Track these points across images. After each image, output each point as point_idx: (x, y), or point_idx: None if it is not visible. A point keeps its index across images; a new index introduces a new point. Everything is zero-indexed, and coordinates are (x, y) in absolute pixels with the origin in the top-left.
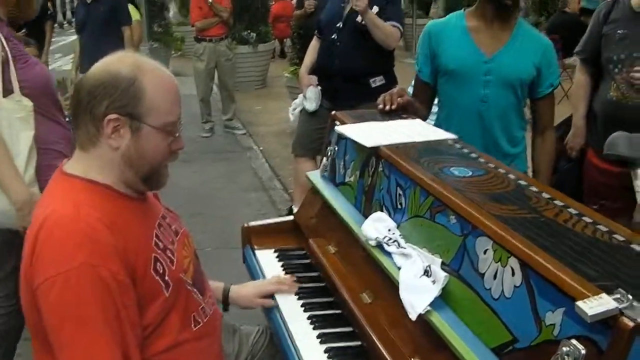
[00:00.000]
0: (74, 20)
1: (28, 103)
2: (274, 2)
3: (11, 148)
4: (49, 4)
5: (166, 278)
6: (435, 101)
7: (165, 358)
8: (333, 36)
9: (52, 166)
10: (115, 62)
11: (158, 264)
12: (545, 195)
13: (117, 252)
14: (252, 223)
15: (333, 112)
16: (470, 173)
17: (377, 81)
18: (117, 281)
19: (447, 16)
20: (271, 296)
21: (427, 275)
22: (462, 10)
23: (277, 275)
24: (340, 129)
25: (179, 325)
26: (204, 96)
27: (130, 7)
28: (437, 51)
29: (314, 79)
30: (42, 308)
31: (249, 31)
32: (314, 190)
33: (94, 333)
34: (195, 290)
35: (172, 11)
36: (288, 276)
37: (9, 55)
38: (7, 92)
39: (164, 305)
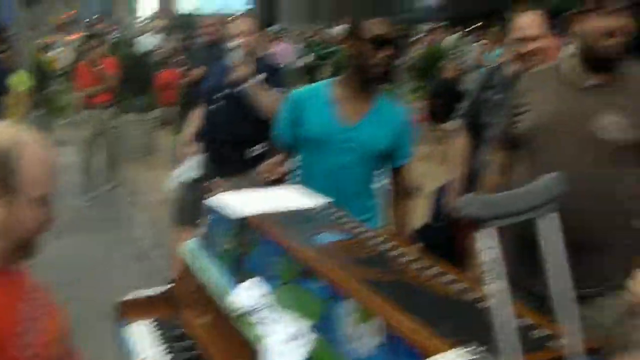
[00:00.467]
0: None
1: None
2: (161, 70)
3: None
4: None
5: (29, 352)
6: None
7: None
8: (217, 104)
9: None
10: None
11: (23, 337)
12: (407, 257)
13: None
14: (127, 297)
15: (207, 183)
16: (338, 238)
17: (260, 149)
18: None
19: (314, 84)
20: None
21: (296, 340)
22: (329, 79)
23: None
24: (214, 199)
25: None
26: (88, 164)
27: (21, 76)
28: (299, 118)
29: (197, 147)
30: None
31: (135, 99)
32: (190, 261)
33: None
34: None
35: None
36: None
37: None
38: None
39: None
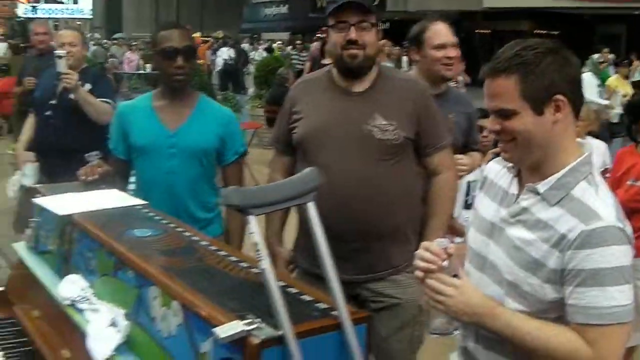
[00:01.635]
0: None
1: None
2: None
3: None
4: None
5: None
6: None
7: None
8: (48, 112)
9: None
10: None
11: None
12: (212, 247)
13: None
14: None
15: (34, 186)
16: (150, 233)
17: (93, 156)
18: None
19: (137, 98)
20: None
21: (114, 326)
22: (150, 92)
23: None
24: (39, 200)
25: None
26: None
27: None
28: (128, 129)
29: (31, 155)
30: None
31: None
32: (20, 260)
33: None
34: None
35: None
36: None
37: None
38: None
39: None
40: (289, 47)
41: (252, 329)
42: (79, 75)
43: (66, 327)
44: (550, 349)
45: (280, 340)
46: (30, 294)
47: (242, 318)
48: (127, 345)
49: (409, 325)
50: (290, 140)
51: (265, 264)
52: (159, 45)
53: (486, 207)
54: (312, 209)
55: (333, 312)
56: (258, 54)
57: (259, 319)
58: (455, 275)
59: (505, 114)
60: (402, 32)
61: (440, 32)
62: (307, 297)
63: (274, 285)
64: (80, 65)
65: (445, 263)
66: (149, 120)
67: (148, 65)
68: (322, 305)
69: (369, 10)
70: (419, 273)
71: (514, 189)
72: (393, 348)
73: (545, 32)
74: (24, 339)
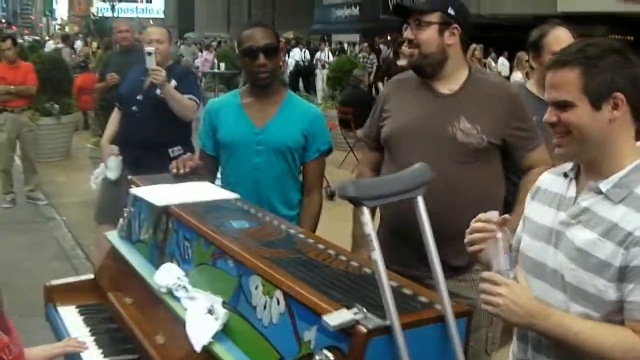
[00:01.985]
0: None
1: None
2: (77, 75)
3: None
4: None
5: None
6: None
7: None
8: (133, 108)
9: None
10: None
11: None
12: (310, 240)
13: None
14: (54, 282)
15: (129, 177)
16: (247, 225)
17: (176, 151)
18: None
19: (226, 95)
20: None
21: (211, 314)
22: (238, 89)
23: (67, 339)
24: (135, 191)
25: None
26: (5, 167)
27: None
28: (216, 126)
29: (115, 148)
30: None
31: (52, 103)
32: (113, 249)
33: None
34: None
35: None
36: (75, 338)
37: None
38: None
39: None
40: (356, 48)
41: (361, 318)
42: (166, 71)
43: (160, 314)
44: (605, 349)
45: (386, 330)
46: (121, 281)
47: (348, 308)
48: (225, 332)
49: (483, 326)
50: (379, 137)
51: (376, 254)
52: (242, 45)
53: (542, 213)
54: (421, 203)
55: (435, 306)
56: (324, 55)
57: (365, 310)
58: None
59: (563, 105)
60: (475, 35)
61: (560, 38)
62: (408, 291)
63: (383, 276)
64: (166, 61)
65: (499, 235)
66: (236, 117)
67: (222, 65)
68: (423, 299)
69: (426, 9)
70: (473, 247)
71: (571, 192)
72: (469, 349)
73: (619, 37)
74: (116, 326)
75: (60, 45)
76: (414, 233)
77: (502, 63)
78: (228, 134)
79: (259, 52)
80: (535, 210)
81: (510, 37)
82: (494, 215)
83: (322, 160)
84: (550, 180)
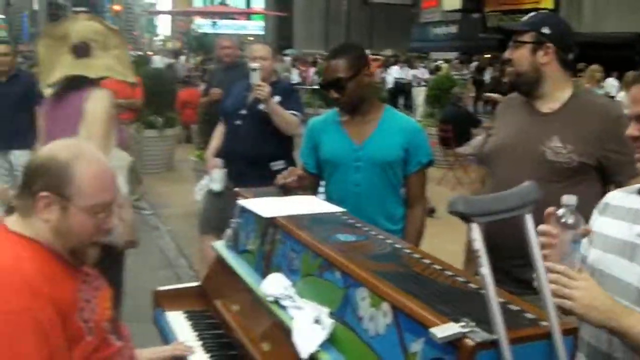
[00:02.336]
0: None
1: (127, 157)
2: (181, 89)
3: None
4: None
5: (89, 324)
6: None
7: None
8: (237, 122)
9: None
10: (57, 147)
11: (84, 312)
12: (415, 255)
13: (50, 300)
14: (162, 288)
15: (236, 189)
16: (354, 238)
17: (278, 165)
18: (50, 324)
19: (326, 113)
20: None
21: (318, 323)
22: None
23: (175, 342)
24: (243, 202)
25: None
26: None
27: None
28: (318, 144)
29: (219, 161)
30: None
31: (155, 116)
32: (219, 258)
33: None
34: (113, 336)
35: None
36: (183, 343)
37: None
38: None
39: (87, 346)
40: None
41: (468, 332)
42: (270, 87)
43: (266, 322)
44: None
45: (493, 345)
46: (227, 289)
47: (455, 321)
48: (331, 342)
49: None
50: (483, 154)
51: (485, 270)
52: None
53: (614, 227)
54: (529, 221)
55: (541, 322)
56: (420, 73)
57: (472, 323)
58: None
59: None
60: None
61: None
62: (514, 307)
63: (492, 291)
64: (270, 77)
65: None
66: (336, 135)
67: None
68: (530, 315)
69: (520, 29)
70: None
71: None
72: None
73: None
74: (222, 331)
75: (172, 60)
76: (502, 250)
77: (612, 84)
78: (328, 151)
79: (329, 87)
80: (606, 225)
81: (613, 55)
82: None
83: (423, 173)
84: (622, 197)
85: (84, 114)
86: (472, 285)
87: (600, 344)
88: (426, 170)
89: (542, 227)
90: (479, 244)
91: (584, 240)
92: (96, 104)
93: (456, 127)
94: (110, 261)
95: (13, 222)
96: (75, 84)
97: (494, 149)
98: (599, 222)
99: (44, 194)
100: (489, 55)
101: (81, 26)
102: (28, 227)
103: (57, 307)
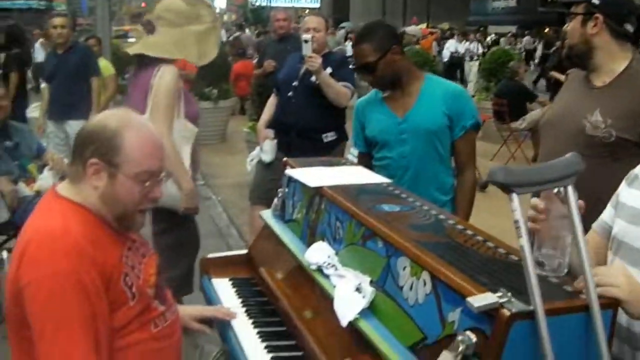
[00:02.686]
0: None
1: (194, 128)
2: (235, 62)
3: None
4: None
5: (133, 290)
6: None
7: (129, 353)
8: (289, 94)
9: None
10: (107, 116)
11: (127, 278)
12: (459, 226)
13: (95, 264)
14: (209, 255)
15: (285, 159)
16: (398, 209)
17: (329, 136)
18: (94, 288)
19: (370, 92)
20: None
21: (359, 292)
22: None
23: (218, 305)
24: (290, 172)
25: (141, 327)
26: None
27: (105, 62)
28: (364, 123)
29: (270, 132)
30: (27, 305)
31: (210, 88)
32: (266, 227)
33: (72, 330)
34: (157, 301)
35: None
36: (226, 307)
37: (182, 93)
38: (178, 116)
39: (130, 311)
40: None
41: (505, 302)
42: (322, 59)
43: (309, 290)
44: None
45: (530, 315)
46: (273, 257)
47: (493, 291)
48: (371, 310)
49: None
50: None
51: (524, 241)
52: None
53: None
54: (570, 193)
55: (580, 295)
56: (473, 46)
57: (509, 294)
58: None
59: None
60: None
61: None
62: (554, 279)
63: (530, 262)
64: (323, 49)
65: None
66: (380, 112)
67: None
68: (568, 288)
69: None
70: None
71: None
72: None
73: None
74: (265, 299)
75: (237, 33)
76: None
77: None
78: (374, 128)
79: (359, 71)
80: (632, 196)
81: None
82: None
83: (470, 137)
84: None
85: (152, 89)
86: (514, 257)
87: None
88: (474, 134)
89: (532, 200)
90: (518, 214)
91: (610, 210)
92: (161, 79)
93: (511, 101)
94: (172, 225)
95: (63, 188)
96: (147, 60)
97: (545, 122)
98: (625, 192)
99: (94, 160)
100: (547, 30)
101: (160, 3)
102: (77, 193)
103: (101, 271)
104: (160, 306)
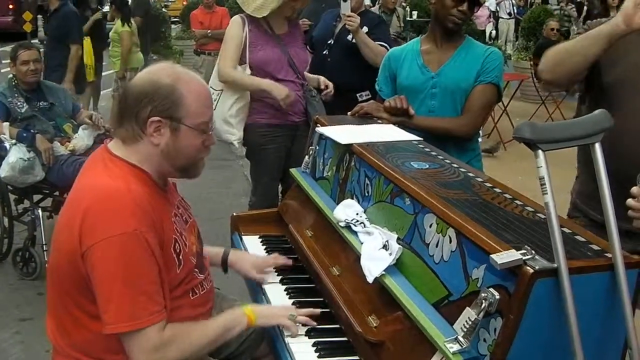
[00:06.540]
0: None
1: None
2: None
3: None
4: None
5: (180, 257)
6: None
7: (169, 316)
8: (324, 52)
9: None
10: (155, 72)
11: (177, 244)
12: (487, 184)
13: (154, 227)
14: (240, 212)
15: (316, 116)
16: (427, 166)
17: (364, 95)
18: (156, 248)
19: (408, 42)
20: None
21: (386, 249)
22: (419, 36)
23: (275, 254)
24: (320, 129)
25: (181, 294)
26: None
27: (118, 21)
28: (395, 72)
29: None
30: (95, 265)
31: None
32: (297, 184)
33: (143, 287)
34: (197, 269)
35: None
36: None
37: (247, 41)
38: (242, 62)
39: (175, 278)
40: None
41: (528, 259)
42: (359, 17)
43: (337, 247)
44: None
45: (553, 273)
46: (303, 215)
47: (517, 249)
48: (398, 267)
49: None
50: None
51: (549, 197)
52: None
53: None
54: (598, 151)
55: (606, 254)
56: (508, 4)
57: (533, 251)
58: None
59: None
60: None
61: None
62: (580, 238)
63: (554, 219)
64: (360, 8)
65: None
66: (414, 63)
67: (415, 13)
68: (595, 247)
69: None
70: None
71: None
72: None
73: None
74: (295, 256)
75: None
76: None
77: None
78: (406, 78)
79: (471, 5)
80: None
81: None
82: None
83: (483, 90)
84: None
85: None
86: (540, 215)
87: None
88: (490, 92)
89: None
90: (544, 171)
91: None
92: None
93: None
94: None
95: (117, 148)
96: None
97: (624, 80)
98: None
99: (155, 119)
100: None
101: None
102: (132, 153)
103: (159, 234)
104: (200, 275)
